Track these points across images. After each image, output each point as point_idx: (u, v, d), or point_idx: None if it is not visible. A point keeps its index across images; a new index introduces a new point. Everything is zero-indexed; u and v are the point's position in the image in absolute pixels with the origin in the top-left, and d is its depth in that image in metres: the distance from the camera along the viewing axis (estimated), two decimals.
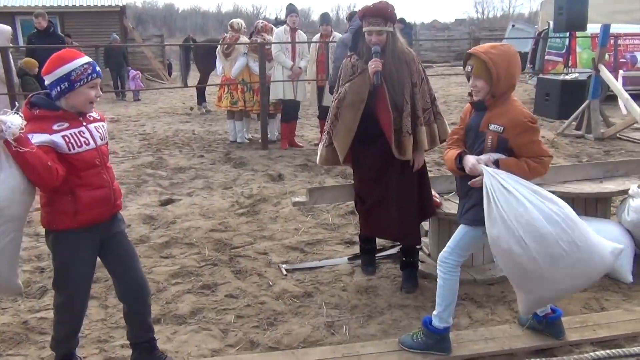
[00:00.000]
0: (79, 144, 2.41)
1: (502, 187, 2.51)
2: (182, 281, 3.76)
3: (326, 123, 3.65)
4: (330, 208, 5.15)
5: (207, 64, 10.84)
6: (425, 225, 4.07)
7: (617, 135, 8.07)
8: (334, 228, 4.77)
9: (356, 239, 4.16)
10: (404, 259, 3.66)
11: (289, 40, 7.54)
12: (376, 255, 3.98)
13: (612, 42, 10.22)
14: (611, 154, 7.20)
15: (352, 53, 3.52)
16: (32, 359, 2.89)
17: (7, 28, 7.93)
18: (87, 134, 2.45)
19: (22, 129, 2.24)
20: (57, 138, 2.35)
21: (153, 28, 45.30)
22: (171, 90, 15.70)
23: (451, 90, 14.31)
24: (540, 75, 11.01)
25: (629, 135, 8.04)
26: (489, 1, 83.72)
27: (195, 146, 8.11)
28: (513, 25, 15.45)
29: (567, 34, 9.53)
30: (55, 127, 2.36)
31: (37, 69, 7.90)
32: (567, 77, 9.94)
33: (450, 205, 3.66)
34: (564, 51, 11.56)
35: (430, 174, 3.73)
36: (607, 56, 8.87)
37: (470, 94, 2.72)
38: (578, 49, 11.27)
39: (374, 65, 3.27)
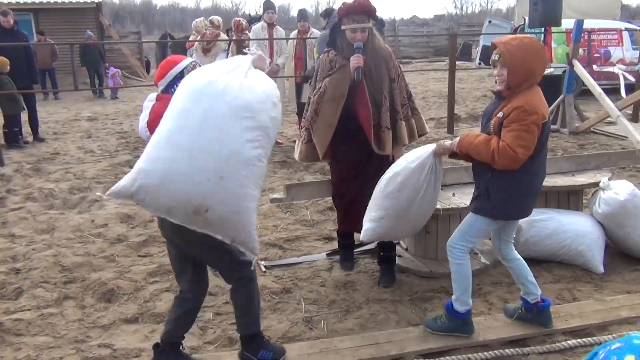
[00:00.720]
0: None
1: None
2: (161, 279, 3.75)
3: (304, 119, 3.67)
4: (309, 204, 5.17)
5: None
6: None
7: (592, 129, 8.22)
8: (312, 224, 4.79)
9: (335, 235, 4.18)
10: (381, 253, 3.70)
11: (267, 36, 7.52)
12: (354, 250, 4.01)
13: (585, 37, 10.39)
14: (585, 147, 7.33)
15: (330, 49, 3.53)
16: None
17: None
18: None
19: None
20: None
21: (131, 25, 44.75)
22: (149, 87, 15.54)
23: (430, 86, 14.40)
24: None
25: (603, 129, 8.19)
26: None
27: None
28: (489, 21, 15.61)
29: (542, 29, 9.66)
30: None
31: (8, 67, 7.77)
32: None
33: None
34: None
35: None
36: (581, 51, 9.02)
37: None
38: (553, 44, 11.43)
39: (356, 61, 3.29)
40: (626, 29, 12.19)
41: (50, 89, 14.03)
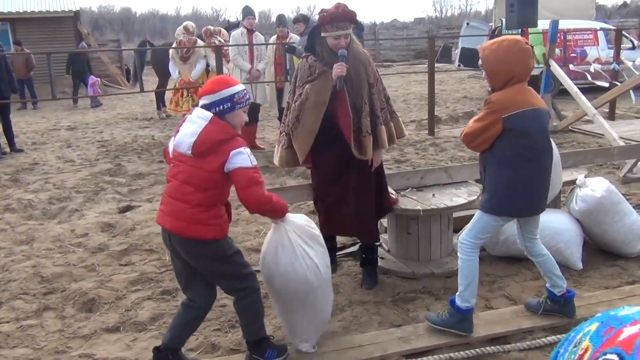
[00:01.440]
0: None
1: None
2: (142, 288, 3.72)
3: (282, 124, 3.67)
4: (292, 208, 5.17)
5: (165, 68, 10.70)
6: (384, 222, 4.14)
7: (569, 127, 8.34)
8: None
9: None
10: (363, 255, 3.71)
11: (246, 42, 7.53)
12: (337, 253, 4.02)
13: (561, 37, 10.55)
14: (564, 146, 7.43)
15: (309, 54, 3.54)
16: None
17: None
18: None
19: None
20: None
21: (110, 33, 44.40)
22: (130, 95, 15.44)
23: (411, 89, 14.51)
24: None
25: (580, 128, 8.32)
26: (446, 0, 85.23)
27: (154, 152, 8.00)
28: (467, 24, 15.77)
29: (519, 30, 9.78)
30: None
31: None
32: None
33: (407, 202, 3.73)
34: None
35: (389, 171, 3.80)
36: (557, 51, 9.15)
37: None
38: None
39: (339, 69, 3.29)
40: (601, 29, 12.40)
41: (29, 99, 13.87)
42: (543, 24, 9.63)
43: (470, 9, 53.60)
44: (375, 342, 2.92)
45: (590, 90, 9.32)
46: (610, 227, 3.79)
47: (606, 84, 8.56)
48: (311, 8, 53.81)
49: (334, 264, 3.92)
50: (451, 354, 2.79)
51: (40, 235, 4.73)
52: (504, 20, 11.22)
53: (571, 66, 9.99)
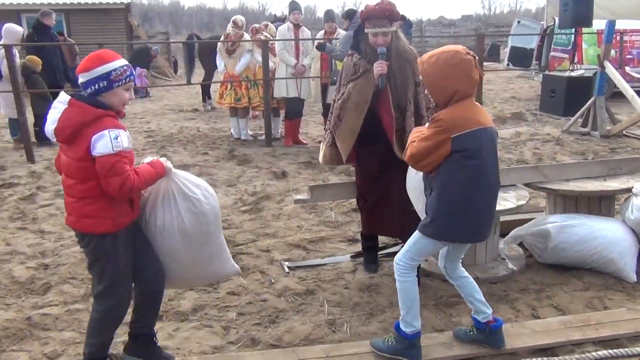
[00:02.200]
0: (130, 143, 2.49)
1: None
2: None
3: (328, 122, 3.65)
4: (334, 205, 5.15)
5: (212, 61, 10.83)
6: None
7: (624, 132, 8.02)
8: (336, 226, 4.77)
9: (359, 236, 4.15)
10: None
11: (293, 37, 7.53)
12: (378, 253, 3.98)
13: (617, 38, 10.15)
14: (617, 151, 7.16)
15: (354, 52, 3.50)
16: (35, 355, 2.91)
17: (19, 29, 8.01)
18: None
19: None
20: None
21: (159, 25, 45.30)
22: (177, 87, 15.73)
23: None
24: (546, 72, 10.95)
25: (635, 133, 7.99)
26: None
27: (199, 143, 8.12)
28: (518, 22, 15.32)
29: (573, 30, 9.48)
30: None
31: (41, 67, 7.95)
32: (573, 74, 9.89)
33: None
34: (569, 47, 11.50)
35: None
36: (613, 52, 8.81)
37: None
38: (584, 46, 11.20)
39: (379, 67, 3.25)
40: None
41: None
42: (597, 24, 9.29)
43: (520, 7, 52.27)
44: None
45: None
46: None
47: None
48: (357, 4, 53.52)
49: (376, 263, 3.89)
50: None
51: None
52: (556, 19, 10.88)
53: (627, 68, 9.60)
